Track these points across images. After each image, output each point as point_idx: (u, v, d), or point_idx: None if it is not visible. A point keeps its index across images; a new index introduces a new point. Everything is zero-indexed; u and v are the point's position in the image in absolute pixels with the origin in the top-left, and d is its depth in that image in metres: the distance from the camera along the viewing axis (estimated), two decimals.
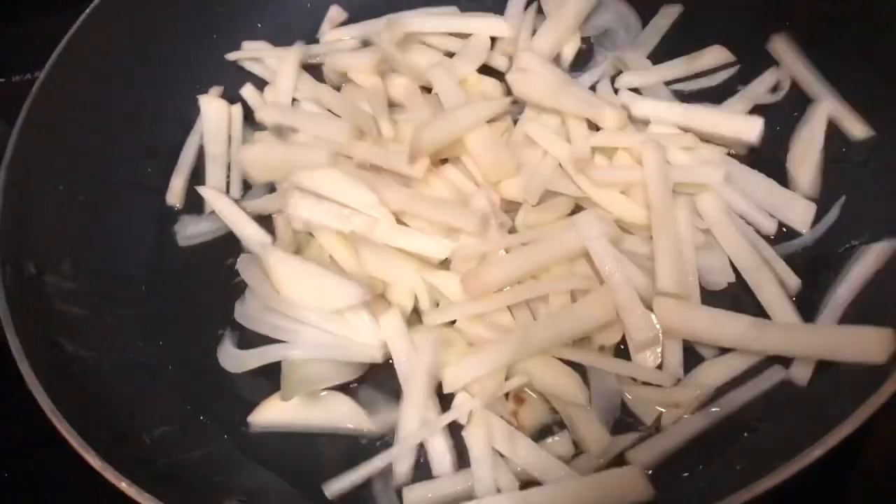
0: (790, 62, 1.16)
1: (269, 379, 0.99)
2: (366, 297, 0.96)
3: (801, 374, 0.91)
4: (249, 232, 1.13)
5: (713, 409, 0.91)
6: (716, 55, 1.20)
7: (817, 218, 1.04)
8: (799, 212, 1.04)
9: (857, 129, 1.07)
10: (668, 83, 1.20)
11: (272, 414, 0.98)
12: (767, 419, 0.90)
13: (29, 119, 1.08)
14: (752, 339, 0.92)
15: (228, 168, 1.23)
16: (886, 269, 0.94)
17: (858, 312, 0.93)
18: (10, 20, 1.51)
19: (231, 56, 1.32)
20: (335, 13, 1.37)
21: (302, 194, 1.03)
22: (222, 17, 1.34)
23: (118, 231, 1.15)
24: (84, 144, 1.16)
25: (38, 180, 1.07)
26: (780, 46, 1.17)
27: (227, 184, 1.22)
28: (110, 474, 0.78)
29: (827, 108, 1.09)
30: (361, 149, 1.10)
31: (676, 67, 1.20)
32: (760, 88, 1.16)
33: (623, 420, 0.94)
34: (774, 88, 1.15)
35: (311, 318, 0.98)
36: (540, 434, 0.94)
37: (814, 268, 1.00)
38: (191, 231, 1.18)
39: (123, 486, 0.77)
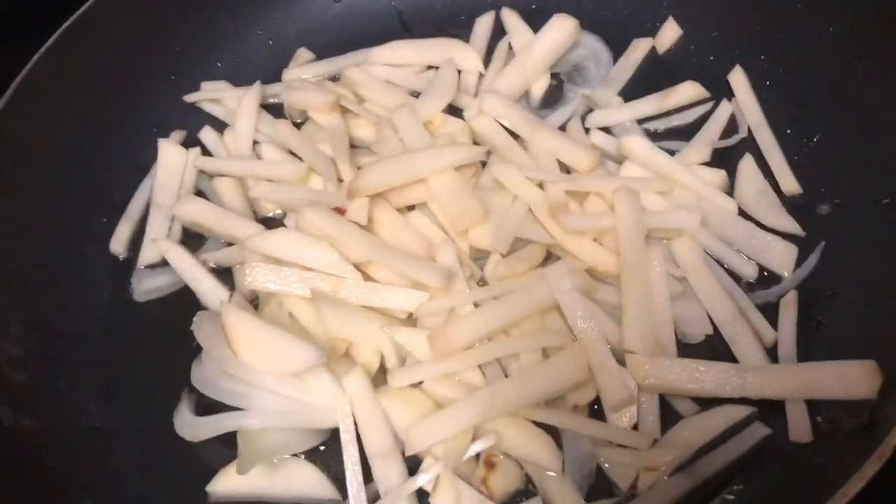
0: (743, 97, 1.14)
1: (229, 445, 0.94)
2: (323, 360, 0.91)
3: (800, 431, 0.87)
4: (206, 286, 1.08)
5: (692, 472, 0.87)
6: (688, 91, 1.17)
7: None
8: (779, 254, 1.01)
9: (787, 183, 1.06)
10: (639, 121, 1.16)
11: (232, 483, 0.94)
12: (749, 482, 0.86)
13: None
14: (735, 386, 0.89)
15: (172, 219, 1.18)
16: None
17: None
18: None
19: (190, 98, 1.27)
20: (303, 54, 1.33)
21: (258, 263, 0.98)
22: (181, 56, 1.30)
23: (71, 287, 1.10)
24: (34, 193, 1.12)
25: None
26: (738, 80, 1.15)
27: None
28: None
29: (750, 164, 1.09)
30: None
31: (648, 104, 1.17)
32: (714, 128, 1.14)
33: (598, 485, 0.90)
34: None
35: (269, 384, 0.94)
36: (512, 500, 0.90)
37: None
38: (147, 286, 1.13)
39: None
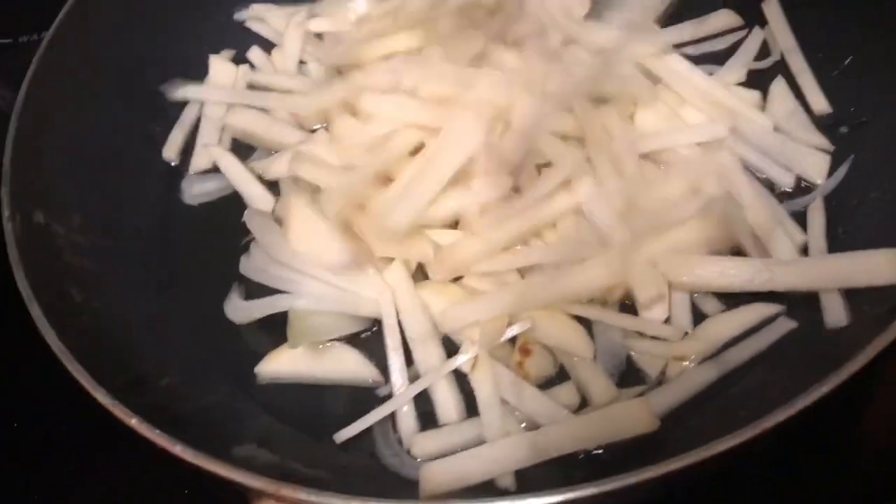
0: (776, 23, 1.17)
1: (276, 332, 1.00)
2: (355, 267, 0.96)
3: (835, 315, 0.90)
4: (254, 192, 1.13)
5: (719, 361, 0.92)
6: (723, 19, 1.20)
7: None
8: (813, 163, 1.05)
9: (818, 102, 1.10)
10: (676, 46, 1.19)
11: (279, 365, 0.99)
12: (774, 371, 0.90)
13: (37, 74, 1.08)
14: (764, 280, 0.92)
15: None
16: None
17: None
18: None
19: (239, 16, 1.32)
20: None
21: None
22: None
23: (127, 187, 1.15)
24: (92, 101, 1.16)
25: (48, 134, 1.07)
26: (772, 7, 1.19)
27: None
28: (119, 411, 0.78)
29: (782, 85, 1.12)
30: None
31: (684, 30, 1.20)
32: (748, 52, 1.17)
33: (628, 374, 0.94)
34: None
35: (317, 271, 0.98)
36: (545, 385, 0.94)
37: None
38: (197, 190, 1.18)
39: (133, 423, 0.77)
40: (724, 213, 0.94)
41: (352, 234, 1.01)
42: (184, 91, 1.24)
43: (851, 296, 0.91)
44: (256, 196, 1.13)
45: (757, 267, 0.93)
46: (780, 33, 1.17)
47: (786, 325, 0.93)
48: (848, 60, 1.11)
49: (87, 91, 1.16)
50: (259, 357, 1.00)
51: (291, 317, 0.98)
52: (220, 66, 1.27)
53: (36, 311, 0.86)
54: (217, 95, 1.23)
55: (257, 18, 1.32)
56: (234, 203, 1.15)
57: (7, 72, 1.25)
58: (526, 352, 0.95)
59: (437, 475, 0.84)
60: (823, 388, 0.72)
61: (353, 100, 1.08)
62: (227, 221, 1.13)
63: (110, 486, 1.03)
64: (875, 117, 1.05)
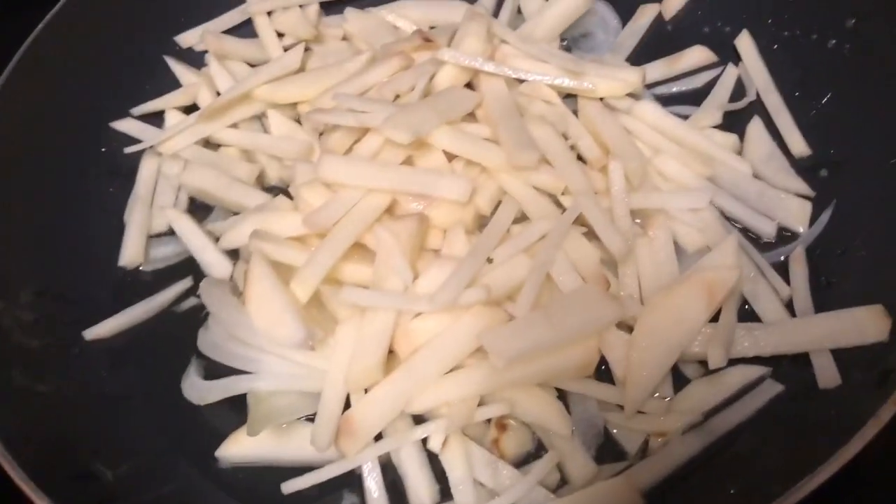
0: (750, 61, 1.14)
1: (238, 410, 0.95)
2: (307, 345, 0.91)
3: (828, 377, 0.87)
4: (211, 257, 1.08)
5: (705, 431, 0.87)
6: (697, 56, 1.16)
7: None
8: (794, 211, 1.01)
9: (796, 144, 1.06)
10: (648, 86, 1.16)
11: (241, 448, 0.94)
12: (763, 439, 0.86)
13: None
14: (748, 346, 0.90)
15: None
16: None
17: None
18: None
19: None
20: None
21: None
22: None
23: (81, 254, 1.10)
24: (43, 162, 1.12)
25: None
26: (745, 44, 1.15)
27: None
28: None
29: (759, 127, 1.09)
30: None
31: (657, 69, 1.17)
32: (723, 92, 1.14)
33: (607, 446, 0.90)
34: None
35: (277, 348, 0.93)
36: (524, 460, 0.90)
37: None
38: (154, 254, 1.13)
39: None
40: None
41: (316, 302, 0.96)
42: (137, 141, 1.20)
43: (838, 355, 0.87)
44: (214, 263, 1.08)
45: (739, 333, 0.89)
46: (755, 71, 1.13)
47: (773, 389, 0.89)
48: (826, 98, 1.07)
49: (35, 153, 1.12)
50: (221, 436, 0.95)
51: (251, 400, 0.93)
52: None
53: None
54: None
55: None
56: (192, 268, 1.10)
57: None
58: (502, 427, 0.91)
59: None
60: (822, 474, 0.68)
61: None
62: (186, 291, 1.09)
63: None
64: (856, 158, 1.02)
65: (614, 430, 0.90)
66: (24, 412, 0.89)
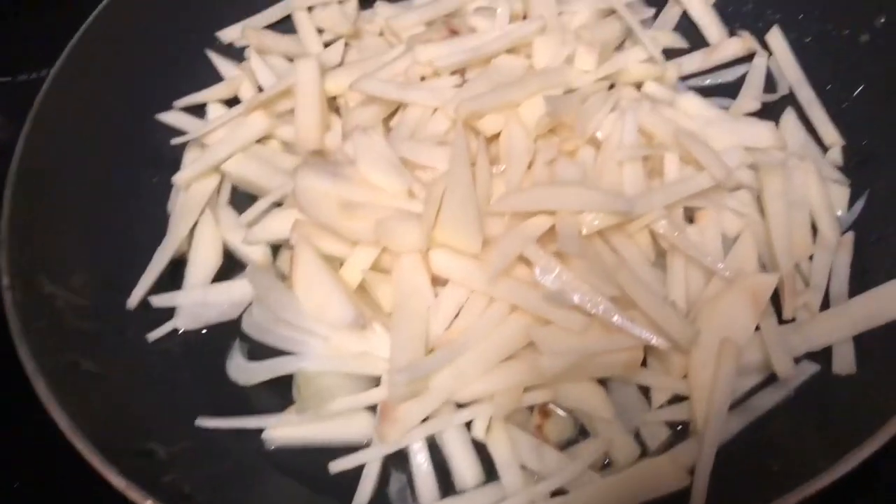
0: (782, 56, 1.16)
1: (284, 390, 0.98)
2: (358, 324, 0.93)
3: (844, 364, 0.89)
4: (251, 248, 1.10)
5: (745, 409, 0.90)
6: (735, 46, 1.18)
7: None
8: (833, 196, 1.03)
9: (829, 135, 1.08)
10: (682, 78, 1.18)
11: (288, 430, 0.96)
12: (799, 415, 0.88)
13: (36, 126, 1.06)
14: (800, 345, 0.91)
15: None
16: None
17: None
18: (14, 15, 1.47)
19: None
20: None
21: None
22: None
23: (127, 242, 1.12)
24: (91, 153, 1.14)
25: (46, 190, 1.05)
26: (776, 40, 1.17)
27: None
28: (134, 493, 0.76)
29: (792, 118, 1.11)
30: None
31: (693, 61, 1.19)
32: (757, 83, 1.16)
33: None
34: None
35: (322, 330, 0.95)
36: (565, 445, 0.93)
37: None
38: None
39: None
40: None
41: (361, 289, 0.99)
42: (182, 132, 1.22)
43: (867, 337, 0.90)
44: (255, 252, 1.10)
45: (786, 333, 0.92)
46: (787, 65, 1.15)
47: (808, 369, 0.91)
48: (858, 91, 1.09)
49: (84, 144, 1.14)
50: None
51: (299, 380, 0.95)
52: (217, 110, 1.25)
53: (42, 388, 0.84)
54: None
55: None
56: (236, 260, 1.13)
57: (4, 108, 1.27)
58: (545, 414, 0.93)
59: None
60: (862, 454, 0.70)
61: None
62: (229, 274, 1.11)
63: None
64: (889, 149, 1.04)
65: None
66: (81, 392, 0.90)
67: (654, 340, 0.86)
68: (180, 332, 1.07)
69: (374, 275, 0.97)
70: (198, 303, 1.08)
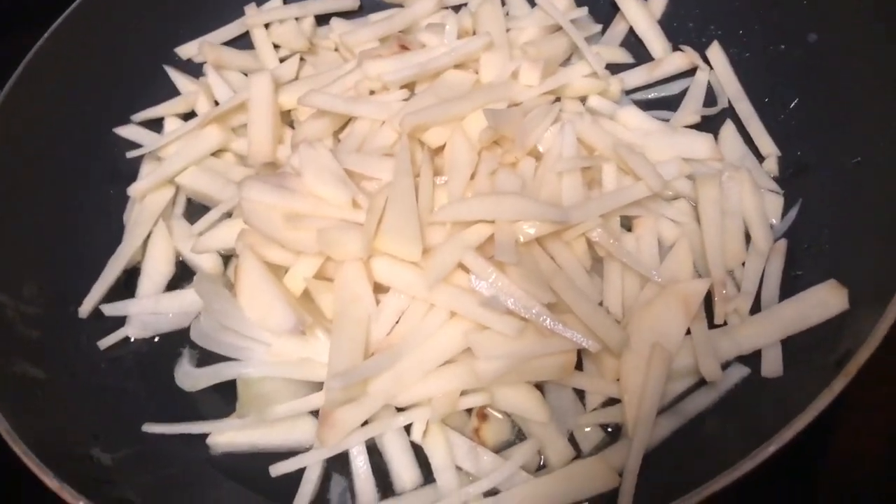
0: (721, 71, 1.20)
1: (229, 399, 1.00)
2: (298, 330, 0.95)
3: (772, 366, 0.92)
4: (202, 258, 1.13)
5: (677, 412, 0.92)
6: (678, 61, 1.22)
7: None
8: (768, 205, 1.06)
9: (766, 146, 1.12)
10: (627, 92, 1.21)
11: (231, 436, 0.98)
12: (728, 418, 0.91)
13: None
14: (728, 349, 0.94)
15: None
16: None
17: None
18: None
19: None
20: None
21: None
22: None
23: (82, 253, 1.15)
24: (48, 166, 1.17)
25: (0, 200, 1.08)
26: (716, 55, 1.21)
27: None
28: (67, 494, 0.77)
29: (731, 130, 1.14)
30: None
31: (638, 75, 1.22)
32: (697, 96, 1.19)
33: None
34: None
35: (266, 337, 0.98)
36: (502, 448, 0.94)
37: None
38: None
39: None
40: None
41: (305, 296, 1.00)
42: (138, 146, 1.25)
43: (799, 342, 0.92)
44: (205, 261, 1.13)
45: (715, 338, 0.94)
46: (726, 80, 1.19)
47: (739, 372, 0.93)
48: (793, 104, 1.12)
49: (39, 155, 1.16)
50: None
51: (240, 385, 0.97)
52: (174, 123, 1.27)
53: None
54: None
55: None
56: (185, 268, 1.15)
57: None
58: (483, 417, 0.95)
59: None
60: (772, 447, 0.73)
61: None
62: (181, 284, 1.13)
63: None
64: (821, 160, 1.07)
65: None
66: (26, 398, 0.92)
67: (586, 343, 0.89)
68: (132, 340, 1.09)
69: (317, 283, 0.99)
70: (149, 311, 1.10)
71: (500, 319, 0.90)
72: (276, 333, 0.97)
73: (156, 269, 1.14)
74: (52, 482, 0.78)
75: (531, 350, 0.91)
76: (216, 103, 1.27)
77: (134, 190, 1.18)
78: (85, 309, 1.09)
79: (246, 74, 1.32)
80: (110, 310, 1.10)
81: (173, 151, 1.22)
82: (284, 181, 1.03)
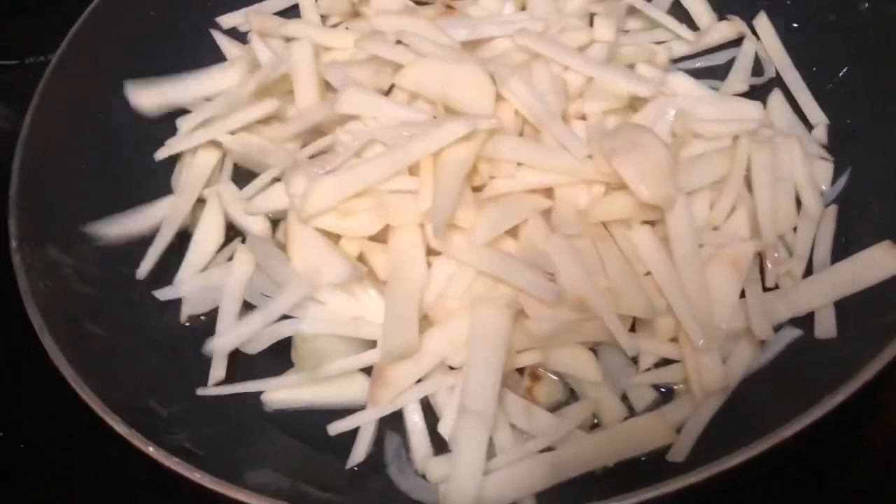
0: (769, 41, 1.20)
1: (284, 356, 1.01)
2: (355, 278, 0.96)
3: (825, 328, 0.92)
4: (252, 221, 1.13)
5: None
6: (724, 30, 1.22)
7: None
8: (818, 171, 1.06)
9: (814, 115, 1.12)
10: (674, 61, 1.21)
11: (285, 393, 0.99)
12: (780, 380, 0.91)
13: (42, 101, 1.09)
14: (784, 310, 0.94)
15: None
16: None
17: None
18: (22, 3, 1.51)
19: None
20: None
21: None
22: None
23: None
24: (100, 125, 1.18)
25: (54, 159, 1.09)
26: (763, 25, 1.21)
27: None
28: (137, 440, 0.79)
29: (779, 99, 1.14)
30: None
31: (684, 44, 1.22)
32: (745, 65, 1.19)
33: None
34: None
35: (321, 295, 0.99)
36: (555, 409, 0.95)
37: None
38: None
39: (151, 451, 0.78)
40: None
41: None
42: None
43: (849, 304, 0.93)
44: (255, 224, 1.13)
45: (770, 300, 0.95)
46: (773, 49, 1.19)
47: (790, 334, 0.94)
48: (842, 73, 1.12)
49: (93, 115, 1.17)
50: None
51: (296, 342, 0.99)
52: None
53: (49, 343, 0.87)
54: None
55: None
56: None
57: (12, 93, 1.29)
58: (536, 377, 0.96)
59: (458, 499, 0.84)
60: (820, 409, 0.74)
61: None
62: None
63: None
64: (870, 128, 1.07)
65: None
66: (83, 348, 0.93)
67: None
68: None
69: (370, 244, 1.00)
70: (200, 287, 1.10)
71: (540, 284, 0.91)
72: (331, 286, 0.97)
73: (207, 234, 1.14)
74: (121, 428, 0.80)
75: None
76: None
77: (172, 143, 1.19)
78: (142, 271, 1.10)
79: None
80: (164, 294, 1.10)
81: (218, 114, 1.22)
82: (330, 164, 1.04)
